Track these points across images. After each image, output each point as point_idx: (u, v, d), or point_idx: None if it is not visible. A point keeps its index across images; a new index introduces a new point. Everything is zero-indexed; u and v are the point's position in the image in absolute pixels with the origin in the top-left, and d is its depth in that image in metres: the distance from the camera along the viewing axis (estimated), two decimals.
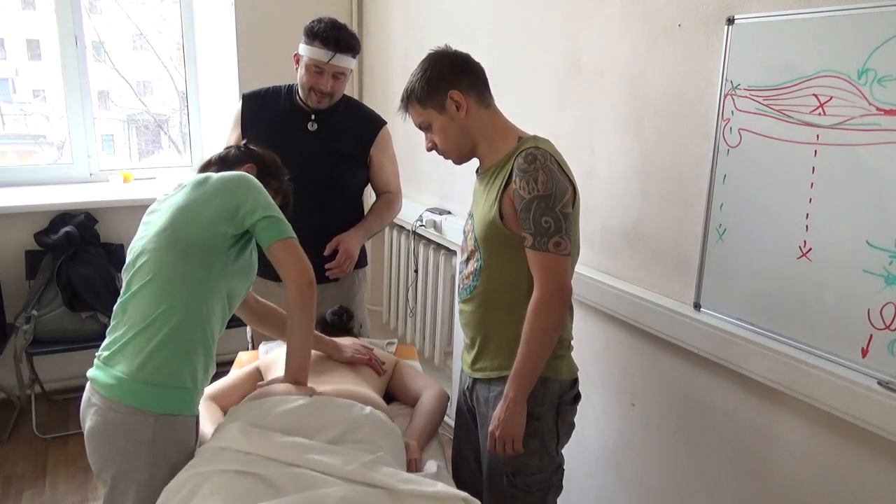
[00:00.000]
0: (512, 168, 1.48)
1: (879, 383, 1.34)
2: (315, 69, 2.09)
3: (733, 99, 1.58)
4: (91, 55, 3.44)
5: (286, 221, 1.52)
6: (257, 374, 1.85)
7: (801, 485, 1.55)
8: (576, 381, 1.63)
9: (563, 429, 1.60)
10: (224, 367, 2.30)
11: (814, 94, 1.40)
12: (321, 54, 2.06)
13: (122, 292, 1.48)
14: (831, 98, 1.37)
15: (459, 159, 1.63)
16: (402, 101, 1.60)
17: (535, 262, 1.45)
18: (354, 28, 3.51)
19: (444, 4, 2.78)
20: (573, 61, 2.09)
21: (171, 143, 4.15)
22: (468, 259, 1.62)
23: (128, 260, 1.50)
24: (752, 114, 1.54)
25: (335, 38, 2.05)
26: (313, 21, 2.09)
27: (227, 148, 1.76)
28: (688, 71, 1.71)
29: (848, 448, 1.44)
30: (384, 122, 2.34)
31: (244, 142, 1.80)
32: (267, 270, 2.29)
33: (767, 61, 1.49)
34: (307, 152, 2.20)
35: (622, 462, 2.08)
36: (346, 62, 2.11)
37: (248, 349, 2.26)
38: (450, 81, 1.54)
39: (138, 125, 4.13)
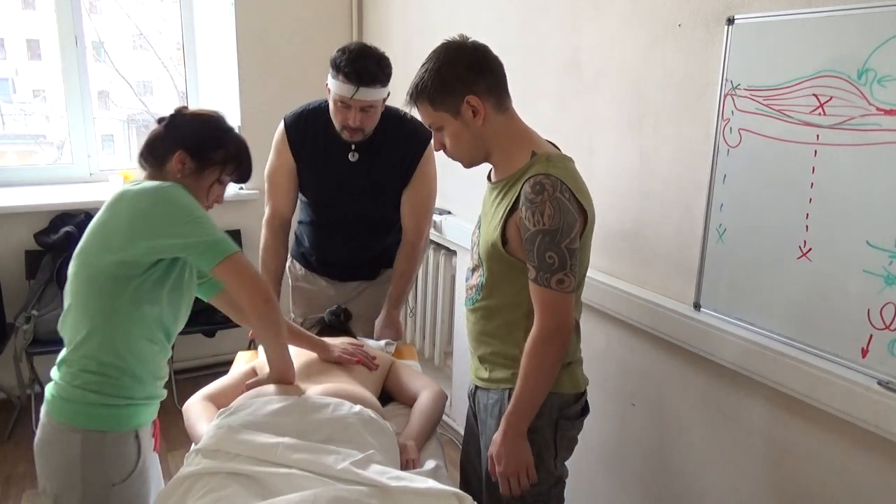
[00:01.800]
0: (520, 192, 1.38)
1: (879, 383, 1.34)
2: (341, 104, 1.96)
3: (733, 99, 1.58)
4: (91, 55, 3.44)
5: (219, 238, 1.38)
6: (253, 374, 1.85)
7: (801, 484, 1.55)
8: (581, 394, 1.55)
9: (563, 443, 1.53)
10: (224, 367, 2.30)
11: (814, 94, 1.40)
12: (345, 89, 1.92)
13: None
14: (831, 98, 1.37)
15: (470, 164, 1.52)
16: (411, 95, 1.46)
17: (537, 296, 1.38)
18: (354, 28, 3.52)
19: (443, 5, 2.78)
20: (573, 61, 2.09)
21: None
22: (473, 270, 1.57)
23: None
24: (752, 114, 1.54)
25: (357, 70, 1.90)
26: (338, 50, 1.94)
27: (158, 121, 1.53)
28: (688, 71, 1.71)
29: (848, 448, 1.44)
30: (428, 138, 2.09)
31: (175, 109, 1.56)
32: (314, 263, 2.33)
33: (767, 61, 1.49)
34: (349, 188, 2.14)
35: (622, 462, 2.08)
36: (373, 95, 1.95)
37: (248, 349, 2.26)
38: (467, 84, 1.39)
39: (138, 125, 4.13)
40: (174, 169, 1.46)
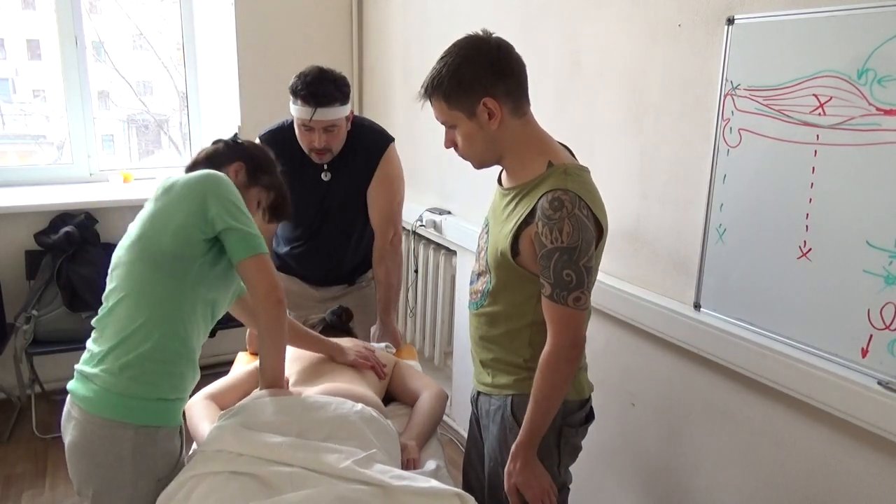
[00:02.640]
0: (536, 205, 1.35)
1: (879, 383, 1.34)
2: (304, 127, 2.03)
3: (733, 99, 1.58)
4: (91, 55, 3.44)
5: (257, 234, 1.43)
6: (256, 374, 1.85)
7: (800, 484, 1.55)
8: (586, 401, 1.53)
9: (566, 450, 1.51)
10: (224, 367, 2.30)
11: (814, 94, 1.40)
12: (303, 112, 1.99)
13: (101, 306, 1.45)
14: (831, 98, 1.37)
15: (480, 166, 1.48)
16: (425, 89, 1.39)
17: (552, 313, 1.35)
18: (354, 28, 3.52)
19: (443, 4, 2.78)
20: (573, 61, 2.09)
21: (171, 143, 4.15)
22: (479, 275, 1.54)
23: (109, 269, 1.48)
24: (752, 114, 1.54)
25: (313, 93, 1.96)
26: (295, 77, 2.02)
27: (216, 142, 1.65)
28: (688, 71, 1.71)
29: (848, 448, 1.44)
30: (388, 143, 2.20)
31: (234, 133, 1.72)
32: (294, 270, 2.37)
33: (767, 61, 1.49)
34: (326, 207, 2.20)
35: (622, 462, 2.08)
36: (332, 114, 2.00)
37: (247, 349, 2.26)
38: (486, 86, 1.34)
39: (138, 125, 4.13)
40: (229, 175, 1.51)
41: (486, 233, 1.54)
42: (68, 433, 1.41)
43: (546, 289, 1.35)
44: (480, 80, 1.34)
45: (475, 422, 1.68)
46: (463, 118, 1.38)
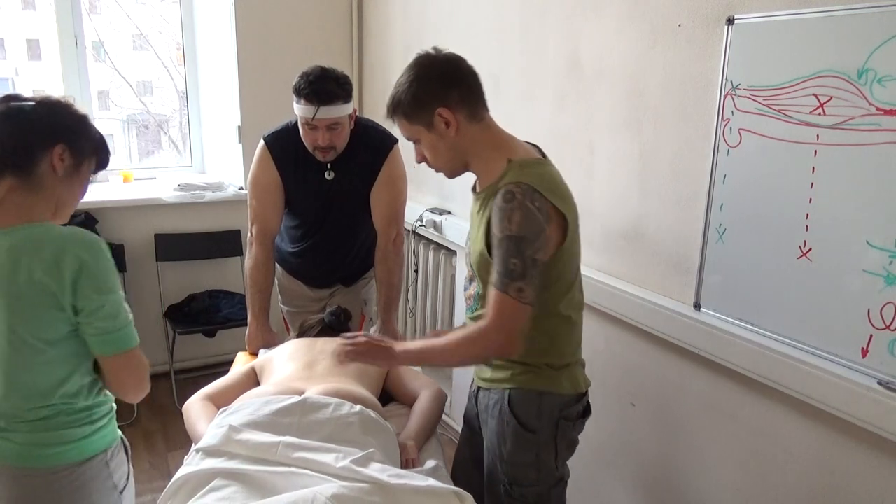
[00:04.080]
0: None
1: (879, 383, 1.34)
2: (308, 126, 2.04)
3: (733, 99, 1.58)
4: (91, 55, 3.44)
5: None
6: (253, 374, 1.85)
7: (801, 484, 1.55)
8: (582, 395, 1.55)
9: (563, 444, 1.53)
10: (224, 367, 2.30)
11: (814, 94, 1.40)
12: (307, 111, 2.00)
13: None
14: (831, 98, 1.37)
15: (451, 174, 1.54)
16: (389, 110, 1.50)
17: (493, 299, 1.37)
18: (354, 28, 3.52)
19: (443, 5, 2.78)
20: (573, 61, 2.09)
21: (171, 144, 4.15)
22: (470, 280, 1.57)
23: None
24: (752, 114, 1.54)
25: (315, 91, 1.98)
26: (298, 76, 2.03)
27: (8, 117, 1.27)
28: (688, 71, 1.71)
29: (848, 448, 1.44)
30: (393, 144, 2.21)
31: (35, 97, 1.31)
32: (295, 269, 2.39)
33: (767, 61, 1.49)
34: (328, 206, 2.22)
35: (622, 461, 2.08)
36: (335, 112, 2.01)
37: (247, 349, 2.26)
38: (438, 97, 1.42)
39: (138, 125, 4.13)
40: (49, 171, 1.28)
41: (469, 238, 1.58)
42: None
43: (493, 276, 1.37)
44: (433, 92, 1.43)
45: (474, 418, 1.69)
46: (424, 131, 1.46)
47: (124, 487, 1.41)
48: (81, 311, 1.24)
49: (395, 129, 1.62)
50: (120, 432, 1.43)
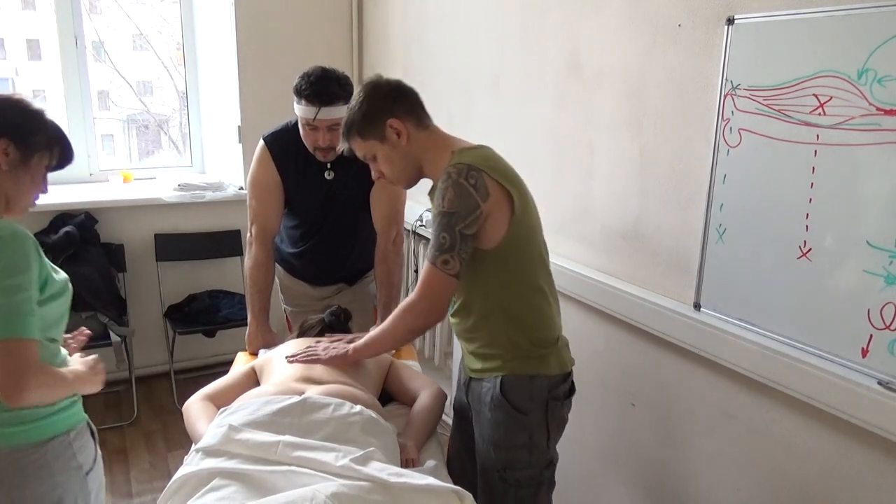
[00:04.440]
0: None
1: (879, 383, 1.34)
2: (309, 126, 2.05)
3: (733, 99, 1.58)
4: (91, 55, 3.44)
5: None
6: (253, 374, 1.85)
7: (801, 484, 1.55)
8: (568, 375, 1.63)
9: (554, 424, 1.61)
10: (223, 367, 2.30)
11: (814, 94, 1.40)
12: (308, 111, 2.01)
13: None
14: (831, 98, 1.37)
15: (408, 184, 1.65)
16: (343, 135, 1.62)
17: (423, 272, 1.50)
18: (354, 28, 3.52)
19: (443, 4, 2.78)
20: (573, 61, 2.09)
21: (171, 144, 4.15)
22: None
23: None
24: (752, 114, 1.54)
25: (317, 92, 1.99)
26: (299, 77, 2.04)
27: None
28: (688, 71, 1.71)
29: (848, 448, 1.44)
30: None
31: None
32: (296, 269, 2.39)
33: (767, 61, 1.49)
34: (328, 206, 2.22)
35: (622, 462, 2.08)
36: (336, 113, 2.00)
37: (247, 349, 2.26)
38: (387, 111, 1.56)
39: (138, 125, 4.13)
40: None
41: None
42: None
43: (428, 251, 1.50)
44: (381, 108, 1.56)
45: (466, 409, 1.73)
46: (377, 144, 1.58)
47: (90, 469, 1.45)
48: None
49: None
50: (86, 416, 1.48)
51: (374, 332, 1.68)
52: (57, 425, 1.38)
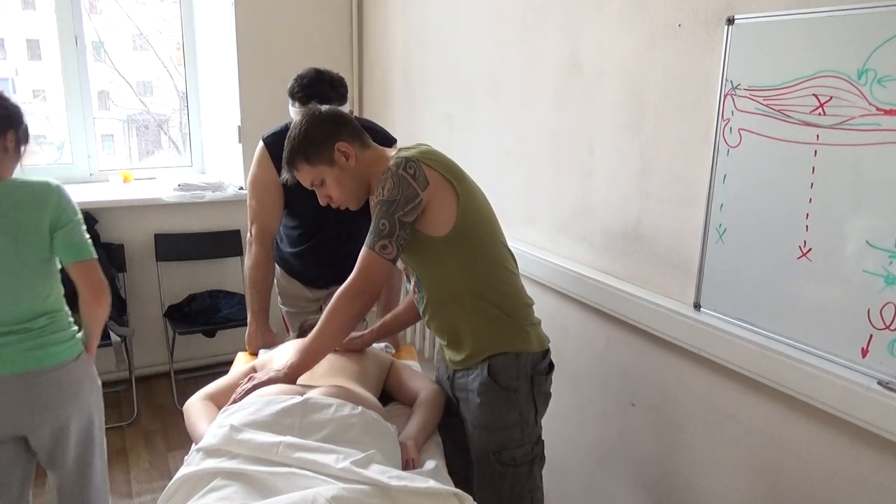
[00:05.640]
0: None
1: (879, 383, 1.34)
2: None
3: (733, 99, 1.58)
4: (91, 55, 3.44)
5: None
6: (253, 374, 1.85)
7: (801, 484, 1.55)
8: (547, 351, 1.69)
9: (540, 399, 1.67)
10: (224, 367, 2.30)
11: (814, 94, 1.40)
12: (300, 114, 2.01)
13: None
14: (831, 98, 1.37)
15: (358, 203, 1.69)
16: (288, 164, 1.65)
17: (360, 256, 1.56)
18: (354, 28, 3.52)
19: (443, 5, 2.78)
20: (573, 61, 2.09)
21: (171, 144, 4.15)
22: (408, 277, 1.74)
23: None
24: (752, 114, 1.54)
25: (309, 95, 2.01)
26: (293, 79, 2.05)
27: None
28: (688, 71, 1.71)
29: (848, 448, 1.44)
30: (391, 144, 2.18)
31: None
32: (294, 269, 2.39)
33: (767, 61, 1.49)
34: (327, 207, 2.20)
35: (622, 462, 2.08)
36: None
37: (247, 349, 2.26)
38: (333, 134, 1.61)
39: (138, 125, 4.13)
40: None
41: None
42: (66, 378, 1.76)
43: (367, 237, 1.56)
44: (326, 132, 1.62)
45: (452, 402, 1.76)
46: (326, 169, 1.62)
47: (101, 385, 1.92)
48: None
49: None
50: None
51: (309, 337, 1.64)
52: (78, 346, 1.81)
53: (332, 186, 1.64)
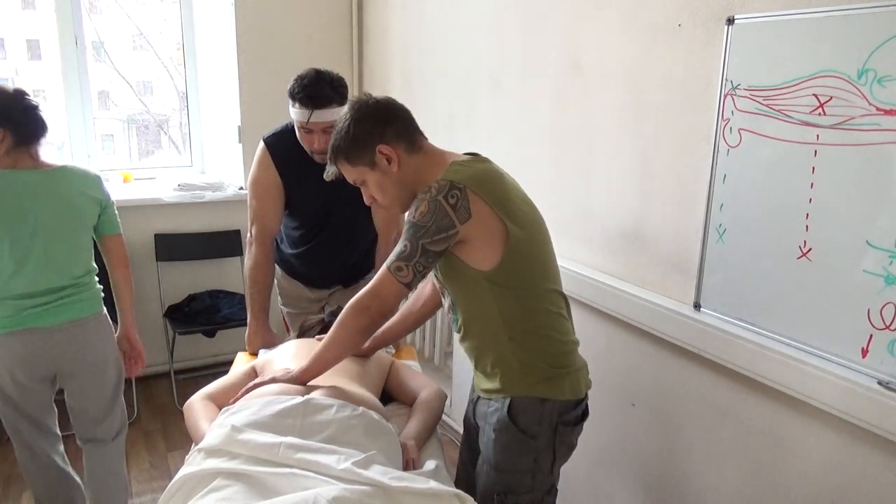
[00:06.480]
0: None
1: (879, 383, 1.34)
2: (303, 130, 2.04)
3: (733, 99, 1.58)
4: (91, 55, 3.44)
5: None
6: (253, 374, 1.85)
7: (801, 484, 1.55)
8: (580, 401, 1.54)
9: (562, 450, 1.54)
10: (224, 367, 2.30)
11: (814, 94, 1.40)
12: (301, 115, 2.00)
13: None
14: (831, 98, 1.37)
15: (403, 208, 1.55)
16: (331, 159, 1.54)
17: (378, 273, 1.47)
18: (354, 28, 3.52)
19: (443, 5, 2.78)
20: (573, 61, 2.09)
21: (171, 143, 4.15)
22: (443, 294, 1.60)
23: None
24: (752, 114, 1.54)
25: (309, 95, 1.98)
26: (293, 80, 2.03)
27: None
28: (688, 71, 1.71)
29: (848, 448, 1.44)
30: None
31: None
32: (295, 270, 2.41)
33: (767, 61, 1.49)
34: (328, 208, 2.22)
35: (622, 462, 2.08)
36: (330, 115, 1.99)
37: (247, 349, 2.26)
38: (376, 136, 1.47)
39: (138, 125, 4.13)
40: None
41: None
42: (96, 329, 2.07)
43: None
44: (370, 132, 1.47)
45: (472, 426, 1.68)
46: (367, 171, 1.50)
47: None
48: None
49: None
50: None
51: (321, 344, 1.59)
52: (101, 299, 2.10)
53: (373, 189, 1.52)
